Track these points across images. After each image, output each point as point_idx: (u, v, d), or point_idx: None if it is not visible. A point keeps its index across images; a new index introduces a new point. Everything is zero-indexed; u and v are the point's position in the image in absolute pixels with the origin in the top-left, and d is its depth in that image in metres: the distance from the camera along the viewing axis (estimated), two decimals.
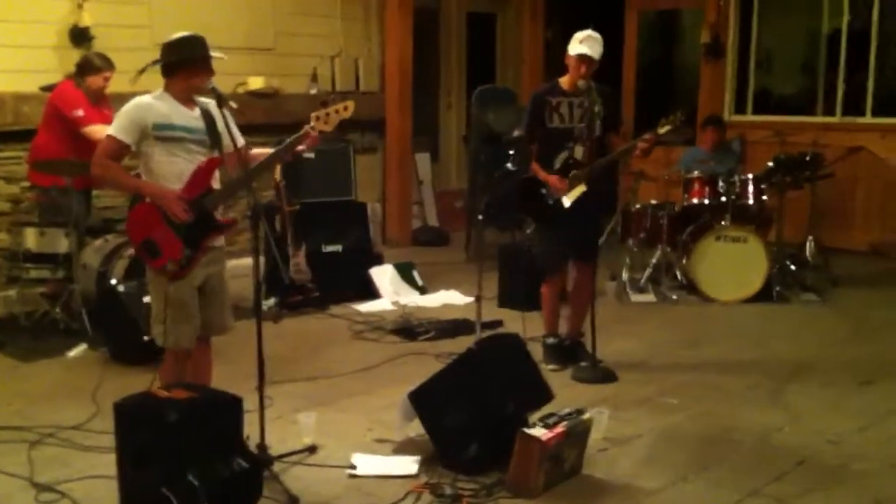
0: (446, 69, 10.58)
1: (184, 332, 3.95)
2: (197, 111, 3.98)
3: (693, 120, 8.93)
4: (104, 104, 6.18)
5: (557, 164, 5.25)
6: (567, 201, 5.22)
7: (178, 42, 3.92)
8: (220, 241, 4.09)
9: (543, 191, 5.27)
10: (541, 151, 5.32)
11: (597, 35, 5.15)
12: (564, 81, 5.29)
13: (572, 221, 5.23)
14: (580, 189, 5.19)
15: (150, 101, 3.90)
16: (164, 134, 3.87)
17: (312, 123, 3.90)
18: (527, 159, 5.32)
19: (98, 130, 5.76)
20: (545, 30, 10.90)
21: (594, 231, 5.61)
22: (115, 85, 6.14)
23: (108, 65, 6.10)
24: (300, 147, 3.96)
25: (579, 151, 5.23)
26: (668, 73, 11.65)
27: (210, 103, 3.98)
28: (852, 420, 4.61)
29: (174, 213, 3.84)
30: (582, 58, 5.10)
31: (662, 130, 5.12)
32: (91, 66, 6.08)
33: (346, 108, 3.92)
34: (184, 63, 3.89)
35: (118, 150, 3.90)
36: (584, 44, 5.10)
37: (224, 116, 3.90)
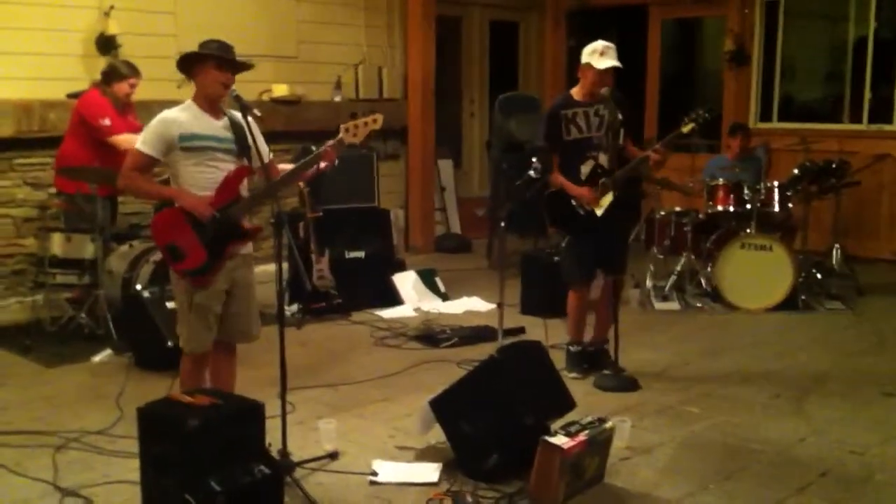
0: (469, 77, 10.60)
1: (203, 337, 4.00)
2: (225, 120, 4.01)
3: (718, 127, 8.89)
4: (130, 112, 6.23)
5: (584, 174, 5.24)
6: (599, 211, 5.21)
7: (199, 45, 3.96)
8: (246, 247, 4.12)
9: (573, 202, 5.26)
10: (563, 162, 5.29)
11: (611, 44, 5.12)
12: (576, 92, 5.27)
13: (603, 231, 5.22)
14: (609, 197, 5.17)
15: (176, 114, 3.94)
16: (189, 145, 3.91)
17: (341, 135, 3.91)
18: (548, 169, 5.31)
19: (124, 140, 5.82)
20: (568, 37, 10.89)
21: (623, 241, 5.59)
22: (141, 92, 6.21)
23: (133, 72, 6.14)
24: (323, 164, 3.98)
25: (604, 159, 5.21)
26: (691, 81, 11.60)
27: (238, 115, 3.99)
28: (875, 431, 4.56)
29: (200, 214, 3.87)
30: (609, 71, 5.07)
31: (686, 129, 5.10)
32: (117, 73, 6.13)
33: (374, 121, 3.94)
34: (193, 61, 3.91)
35: (145, 163, 3.98)
36: (605, 56, 5.07)
37: (250, 128, 3.93)
